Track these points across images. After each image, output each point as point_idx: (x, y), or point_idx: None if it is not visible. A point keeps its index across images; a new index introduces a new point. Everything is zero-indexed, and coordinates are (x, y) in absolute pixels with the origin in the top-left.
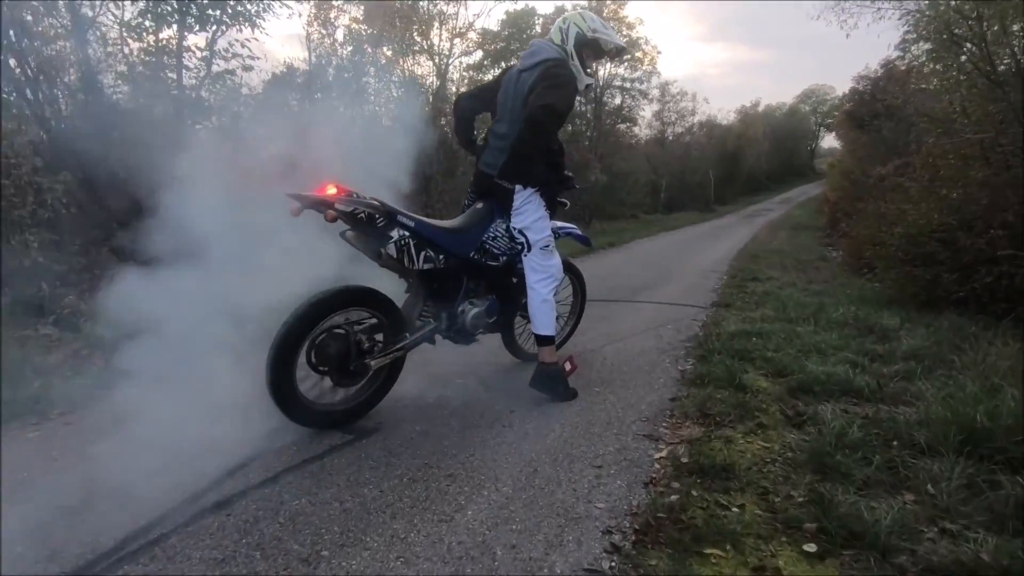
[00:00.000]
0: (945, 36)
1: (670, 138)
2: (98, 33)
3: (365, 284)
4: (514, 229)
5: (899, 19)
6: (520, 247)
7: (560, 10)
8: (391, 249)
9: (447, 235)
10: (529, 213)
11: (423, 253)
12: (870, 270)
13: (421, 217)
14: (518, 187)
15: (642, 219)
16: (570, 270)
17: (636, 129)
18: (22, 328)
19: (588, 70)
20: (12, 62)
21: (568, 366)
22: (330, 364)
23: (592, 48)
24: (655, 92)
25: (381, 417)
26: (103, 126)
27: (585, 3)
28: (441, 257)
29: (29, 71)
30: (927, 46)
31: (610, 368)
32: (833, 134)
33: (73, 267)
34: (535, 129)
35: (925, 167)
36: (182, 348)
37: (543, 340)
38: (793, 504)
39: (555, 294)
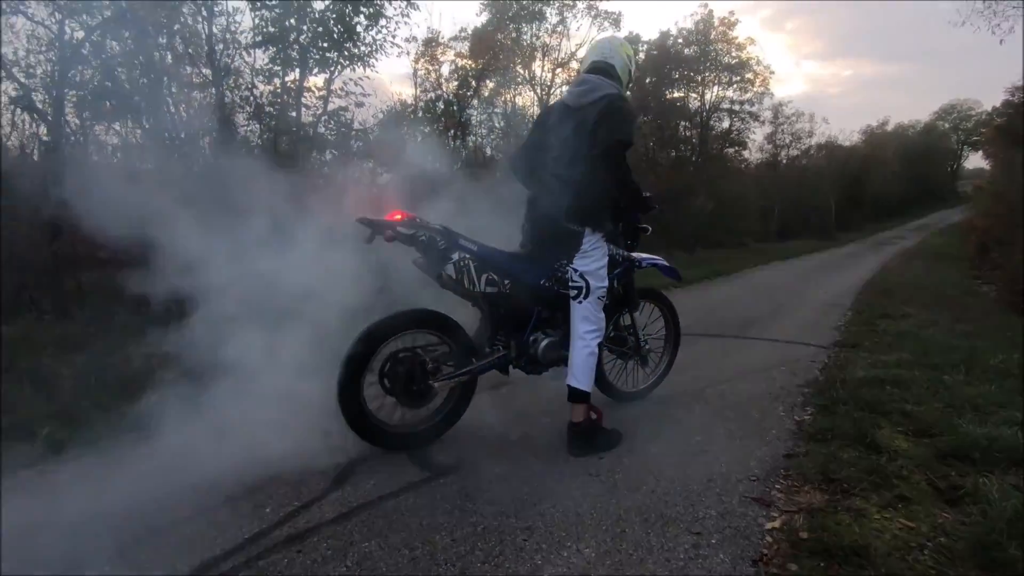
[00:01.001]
0: None
1: (784, 161)
2: (232, 79)
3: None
4: (573, 271)
5: None
6: (577, 292)
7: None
8: (450, 270)
9: (512, 261)
10: (595, 259)
11: (484, 276)
12: None
13: (485, 243)
14: (587, 231)
15: (752, 247)
16: (658, 299)
17: (746, 153)
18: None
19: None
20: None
21: (594, 415)
22: (396, 385)
23: (630, 78)
24: (767, 114)
25: (461, 453)
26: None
27: (691, 27)
28: (506, 282)
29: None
30: None
31: (713, 415)
32: (980, 153)
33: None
34: (611, 164)
35: None
36: (264, 370)
37: (578, 395)
38: None
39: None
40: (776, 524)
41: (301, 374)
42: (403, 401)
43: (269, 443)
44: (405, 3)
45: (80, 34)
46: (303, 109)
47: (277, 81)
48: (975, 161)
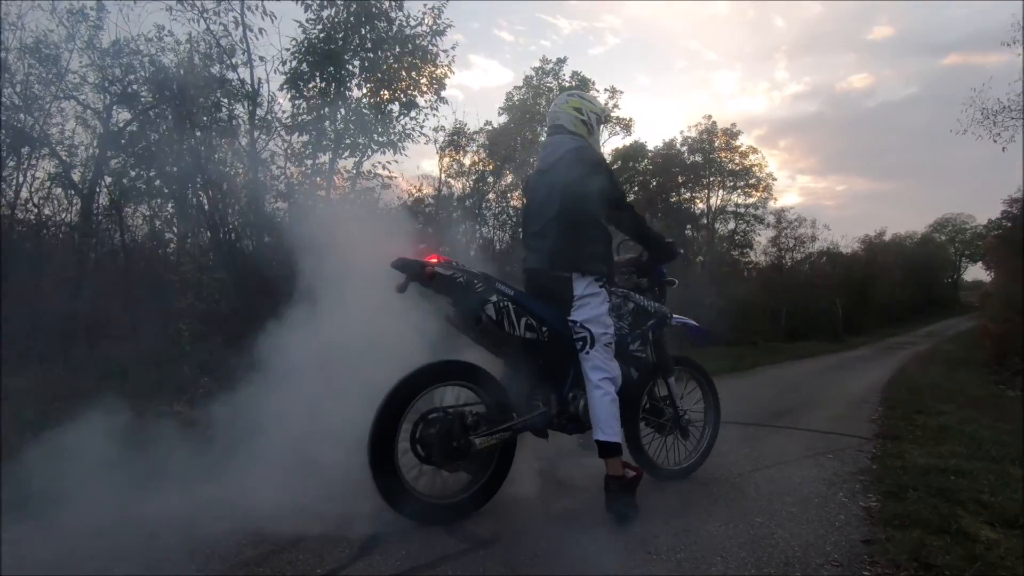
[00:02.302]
0: None
1: (788, 264)
2: (266, 159)
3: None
4: (573, 323)
5: None
6: (582, 343)
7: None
8: (490, 310)
9: (547, 309)
10: (592, 306)
11: (524, 320)
12: None
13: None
14: (575, 275)
15: (763, 346)
16: (691, 366)
17: (752, 255)
18: (161, 404)
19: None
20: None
21: (631, 472)
22: (432, 446)
23: (597, 121)
24: (770, 218)
25: (498, 525)
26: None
27: (695, 135)
28: (544, 330)
29: (209, 196)
30: None
31: (768, 498)
32: (980, 264)
33: (214, 355)
34: (624, 223)
35: None
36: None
37: (609, 449)
38: None
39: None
40: None
41: (324, 434)
42: (442, 464)
43: (290, 505)
44: (435, 97)
45: (126, 115)
46: (332, 190)
47: (309, 163)
48: (973, 272)
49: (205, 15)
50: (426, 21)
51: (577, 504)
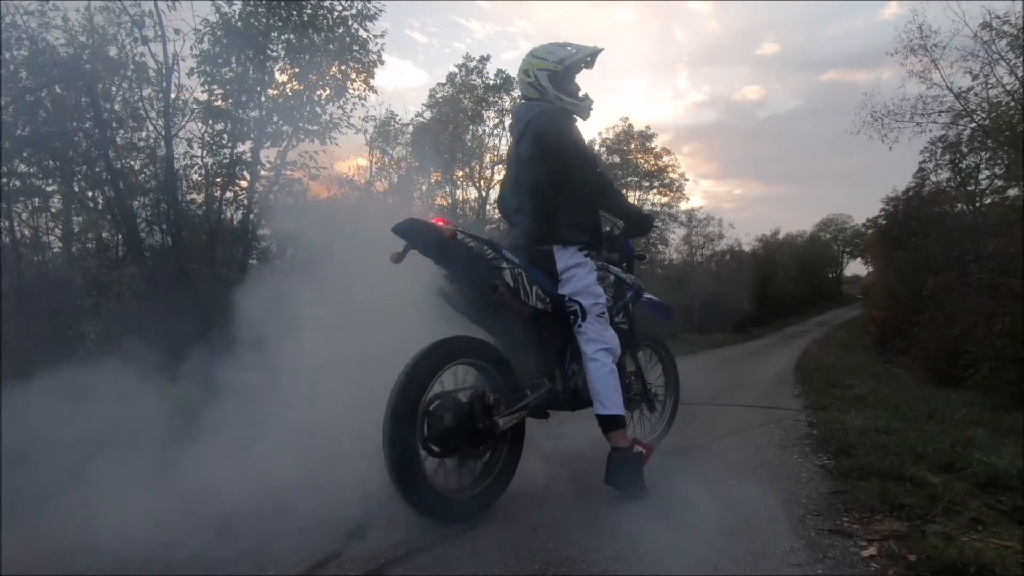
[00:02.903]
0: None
1: (700, 261)
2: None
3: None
4: (561, 297)
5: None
6: (573, 316)
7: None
8: (508, 277)
9: (550, 280)
10: (579, 277)
11: (535, 289)
12: (954, 381)
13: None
14: (556, 247)
15: (679, 337)
16: (654, 341)
17: (666, 252)
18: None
19: (580, 93)
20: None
21: (641, 448)
22: (451, 436)
23: (569, 74)
24: (683, 217)
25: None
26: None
27: (612, 136)
28: (548, 300)
29: (112, 181)
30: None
31: (731, 463)
32: (859, 259)
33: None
34: (597, 195)
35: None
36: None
37: (612, 422)
38: None
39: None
40: (872, 551)
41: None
42: (465, 450)
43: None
44: (364, 86)
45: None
46: (256, 181)
47: (226, 151)
48: (854, 268)
49: None
50: (355, 4)
51: (556, 485)
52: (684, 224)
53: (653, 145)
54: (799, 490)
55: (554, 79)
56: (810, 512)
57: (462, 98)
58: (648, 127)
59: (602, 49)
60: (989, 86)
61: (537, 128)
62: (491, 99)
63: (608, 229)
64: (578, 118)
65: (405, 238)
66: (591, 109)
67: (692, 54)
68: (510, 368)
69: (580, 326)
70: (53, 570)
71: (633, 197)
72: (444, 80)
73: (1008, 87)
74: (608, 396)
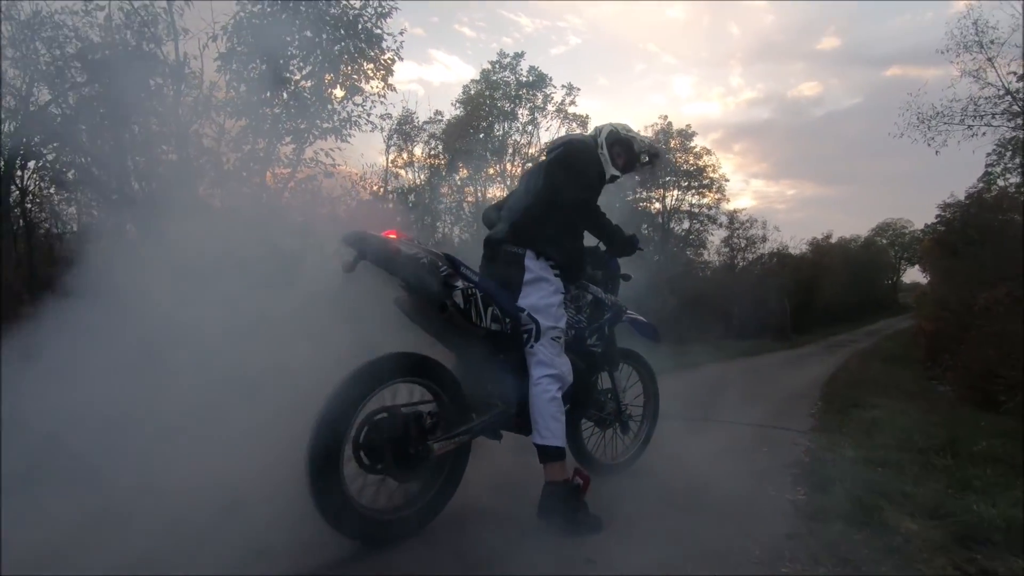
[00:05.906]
0: None
1: (741, 264)
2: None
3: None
4: (520, 310)
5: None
6: (527, 335)
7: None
8: (458, 297)
9: (510, 299)
10: (543, 293)
11: (491, 310)
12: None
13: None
14: (529, 253)
15: (714, 343)
16: (635, 359)
17: (705, 254)
18: None
19: (619, 162)
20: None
21: (579, 480)
22: (384, 455)
23: (623, 147)
24: (723, 219)
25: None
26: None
27: (651, 135)
28: (508, 321)
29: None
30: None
31: (694, 491)
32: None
33: None
34: (582, 220)
35: None
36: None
37: (549, 453)
38: None
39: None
40: None
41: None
42: (395, 473)
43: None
44: (383, 84)
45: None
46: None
47: (247, 147)
48: (912, 275)
49: None
50: (371, 3)
51: (513, 504)
52: (725, 226)
53: (693, 144)
54: (754, 529)
55: (611, 137)
56: (750, 560)
57: (492, 95)
58: (688, 126)
59: (661, 150)
60: None
61: (568, 146)
62: (524, 94)
63: (595, 245)
64: (604, 171)
65: (354, 247)
66: (615, 176)
67: (746, 49)
68: (459, 389)
69: (532, 346)
70: None
71: (671, 197)
72: (478, 77)
73: None
74: (546, 425)
